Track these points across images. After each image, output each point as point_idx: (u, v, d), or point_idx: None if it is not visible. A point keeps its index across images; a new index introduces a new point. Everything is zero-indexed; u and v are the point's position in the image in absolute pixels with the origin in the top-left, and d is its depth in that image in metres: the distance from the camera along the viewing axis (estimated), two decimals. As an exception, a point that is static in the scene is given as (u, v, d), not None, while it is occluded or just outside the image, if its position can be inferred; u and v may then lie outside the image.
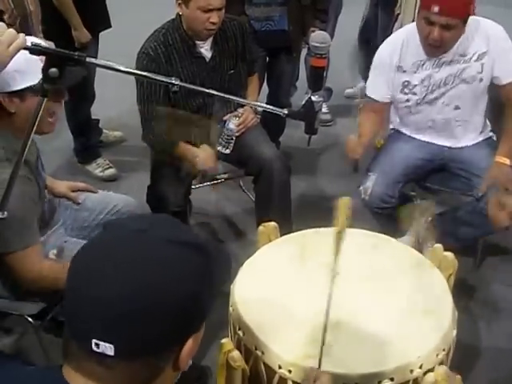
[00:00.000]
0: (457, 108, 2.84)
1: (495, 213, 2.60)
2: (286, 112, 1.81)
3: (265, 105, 1.96)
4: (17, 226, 1.88)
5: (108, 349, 0.93)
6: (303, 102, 1.90)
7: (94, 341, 0.94)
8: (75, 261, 1.02)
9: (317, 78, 1.96)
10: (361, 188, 2.81)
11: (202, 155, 2.81)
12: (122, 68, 1.47)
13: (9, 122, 1.94)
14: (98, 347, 0.94)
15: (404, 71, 2.80)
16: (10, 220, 1.65)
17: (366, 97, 2.97)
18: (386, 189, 2.79)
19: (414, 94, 2.83)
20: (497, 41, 2.73)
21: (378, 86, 2.90)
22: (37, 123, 1.41)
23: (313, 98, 1.89)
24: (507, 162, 2.77)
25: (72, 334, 0.98)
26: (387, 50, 2.86)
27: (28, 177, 1.95)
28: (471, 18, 2.67)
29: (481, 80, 2.77)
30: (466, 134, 2.92)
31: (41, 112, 1.37)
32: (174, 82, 1.59)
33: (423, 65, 2.77)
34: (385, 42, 2.95)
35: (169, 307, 0.96)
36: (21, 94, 1.90)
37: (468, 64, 2.74)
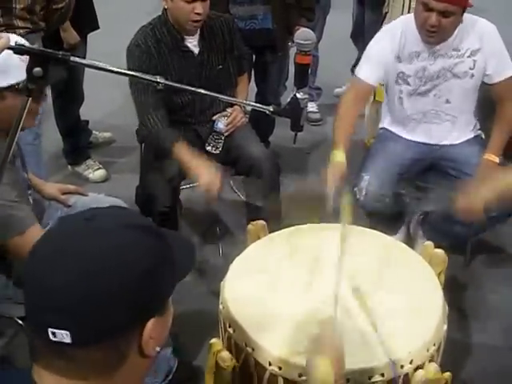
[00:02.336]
0: (447, 102, 2.85)
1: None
2: (272, 109, 1.81)
3: (250, 102, 1.96)
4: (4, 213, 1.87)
5: (64, 336, 0.94)
6: (288, 100, 1.90)
7: (50, 330, 0.95)
8: (29, 255, 1.03)
9: (302, 75, 1.97)
10: (355, 189, 2.80)
11: (205, 179, 2.65)
12: (107, 66, 1.46)
13: None
14: (55, 336, 0.95)
15: (400, 61, 2.80)
16: None
17: (355, 78, 2.92)
18: (380, 189, 2.79)
19: (408, 84, 2.83)
20: (490, 39, 2.75)
21: (371, 69, 2.84)
22: (17, 121, 1.40)
23: (298, 95, 1.89)
24: (496, 159, 2.78)
25: (31, 326, 1.00)
26: (386, 38, 2.83)
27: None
28: (467, 14, 2.68)
29: (472, 76, 2.78)
30: (455, 130, 2.93)
31: (25, 112, 1.37)
32: (158, 80, 1.59)
33: (418, 56, 2.78)
34: (382, 30, 2.94)
35: (120, 289, 0.97)
36: (1, 92, 1.89)
37: (461, 59, 2.75)
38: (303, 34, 1.97)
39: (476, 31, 2.74)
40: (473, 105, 2.92)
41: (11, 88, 1.87)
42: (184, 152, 2.72)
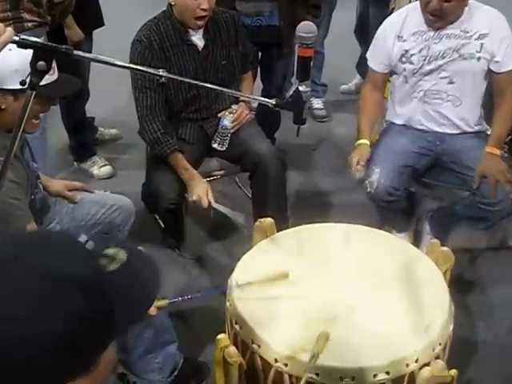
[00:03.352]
0: (451, 82, 2.83)
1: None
2: (274, 102, 1.81)
3: (253, 96, 1.95)
4: (4, 209, 1.87)
5: None
6: (291, 93, 1.90)
7: None
8: None
9: (304, 68, 1.95)
10: (366, 182, 2.80)
11: (196, 192, 2.75)
12: (110, 60, 1.46)
13: None
14: None
15: (404, 40, 2.83)
16: None
17: (368, 67, 3.03)
18: (391, 181, 2.79)
19: (411, 63, 2.84)
20: (500, 26, 2.76)
21: (376, 56, 2.96)
22: (21, 117, 1.40)
23: (300, 88, 1.89)
24: (497, 152, 2.78)
25: None
26: (389, 21, 2.93)
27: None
28: (476, 3, 2.73)
29: (478, 59, 2.77)
30: (456, 113, 2.89)
31: (30, 105, 1.37)
32: (160, 73, 1.59)
33: (423, 35, 2.80)
34: (387, 18, 3.01)
35: (30, 359, 0.82)
36: (15, 93, 1.91)
37: (468, 41, 2.76)
38: (305, 27, 1.95)
39: (486, 16, 2.76)
40: (478, 93, 2.89)
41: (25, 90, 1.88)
42: (178, 163, 2.82)
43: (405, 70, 2.87)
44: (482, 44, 2.75)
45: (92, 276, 0.91)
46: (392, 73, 2.97)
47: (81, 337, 0.86)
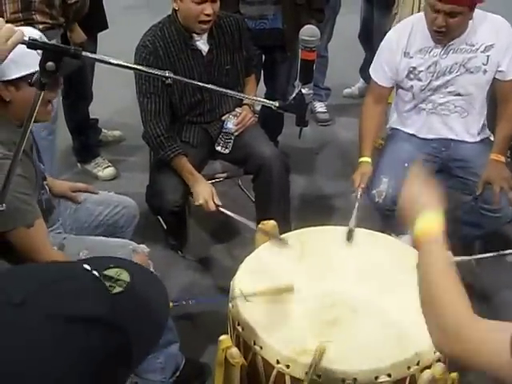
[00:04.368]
0: (458, 95, 2.83)
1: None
2: (277, 104, 1.83)
3: (256, 97, 1.96)
4: (12, 204, 1.88)
5: None
6: (293, 95, 1.92)
7: None
8: None
9: (307, 71, 1.98)
10: (374, 192, 2.79)
11: (201, 198, 2.76)
12: (116, 61, 1.47)
13: (4, 110, 1.96)
14: None
15: (411, 57, 2.81)
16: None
17: (371, 80, 2.99)
18: (397, 191, 2.79)
19: (419, 79, 2.83)
20: (506, 36, 2.74)
21: (381, 70, 2.91)
22: (31, 113, 1.41)
23: (303, 91, 1.92)
24: (502, 159, 2.78)
25: None
26: (395, 36, 2.87)
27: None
28: (480, 11, 2.69)
29: (485, 72, 2.77)
30: (463, 124, 2.90)
31: (38, 104, 1.38)
32: (167, 74, 1.60)
33: (430, 51, 2.78)
34: (392, 29, 2.98)
35: None
36: (16, 83, 1.92)
37: (474, 54, 2.75)
38: (308, 31, 1.97)
39: (491, 26, 2.74)
40: (484, 104, 2.90)
41: (26, 79, 1.89)
42: (183, 167, 2.83)
43: (412, 87, 2.85)
44: (488, 56, 2.74)
45: (108, 312, 0.89)
46: (397, 86, 2.95)
47: (107, 375, 0.85)
